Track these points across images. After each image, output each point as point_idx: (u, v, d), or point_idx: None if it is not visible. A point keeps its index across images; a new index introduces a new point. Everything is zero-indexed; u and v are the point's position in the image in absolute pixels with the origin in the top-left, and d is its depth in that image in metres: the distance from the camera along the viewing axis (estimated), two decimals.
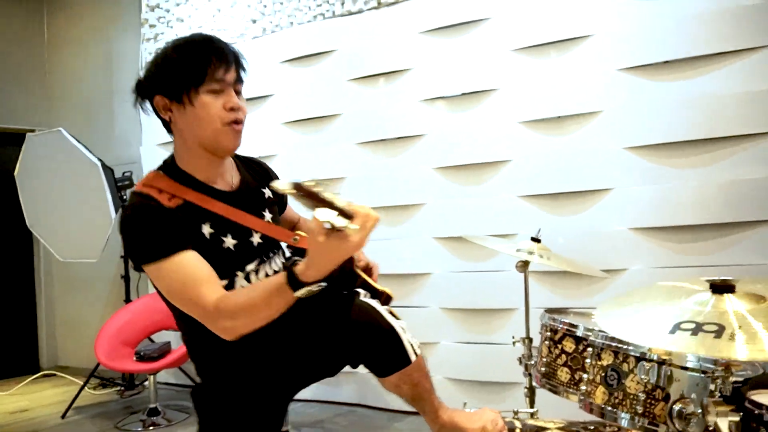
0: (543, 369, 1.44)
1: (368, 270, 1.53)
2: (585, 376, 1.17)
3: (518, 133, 2.78)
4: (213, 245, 1.30)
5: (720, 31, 2.41)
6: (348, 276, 1.34)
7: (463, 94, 2.90)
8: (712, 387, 0.88)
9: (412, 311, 3.00)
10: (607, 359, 1.15)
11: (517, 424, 1.29)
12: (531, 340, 1.80)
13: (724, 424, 0.86)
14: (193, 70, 1.25)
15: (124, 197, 3.68)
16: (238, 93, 1.32)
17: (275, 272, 1.42)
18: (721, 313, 0.90)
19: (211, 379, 1.41)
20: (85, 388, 3.57)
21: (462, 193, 2.91)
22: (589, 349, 1.20)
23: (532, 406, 1.79)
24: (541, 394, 1.77)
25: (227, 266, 1.31)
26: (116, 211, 3.34)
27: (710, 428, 0.87)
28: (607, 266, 2.55)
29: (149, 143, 3.84)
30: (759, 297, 0.89)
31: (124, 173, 3.70)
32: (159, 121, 1.36)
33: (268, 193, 1.51)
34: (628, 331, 0.92)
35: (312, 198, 0.99)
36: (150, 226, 1.23)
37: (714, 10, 2.42)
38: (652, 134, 2.53)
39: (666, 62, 2.52)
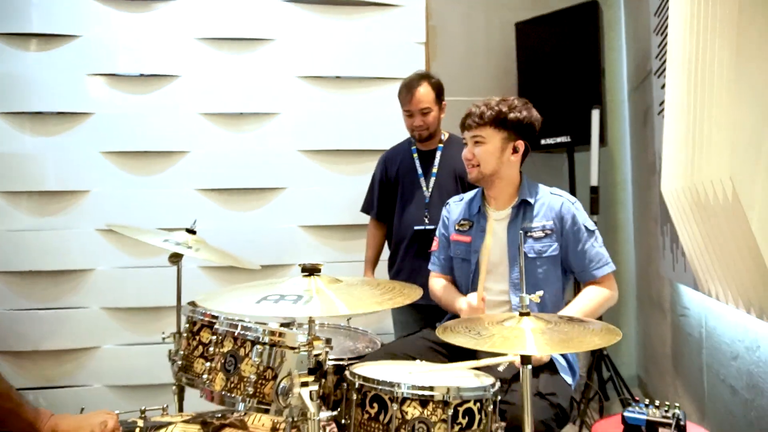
0: (180, 362, 1.40)
1: None
2: (208, 364, 1.18)
3: (197, 125, 2.70)
4: None
5: (380, 58, 2.79)
6: None
7: (142, 75, 2.69)
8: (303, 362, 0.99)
9: (70, 313, 2.63)
10: (228, 345, 1.18)
11: (140, 423, 1.21)
12: (181, 335, 1.74)
13: (305, 393, 0.97)
14: None
15: None
16: None
17: None
18: (305, 289, 1.07)
19: None
20: None
21: (134, 183, 2.68)
22: (213, 337, 1.21)
23: (180, 404, 1.74)
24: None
25: None
26: None
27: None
28: (277, 261, 2.69)
29: None
30: (337, 279, 1.05)
31: None
32: None
33: None
34: (223, 305, 0.98)
35: None
36: None
37: (373, 40, 2.78)
38: (323, 140, 2.77)
39: (338, 77, 2.79)
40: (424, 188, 2.23)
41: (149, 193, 2.68)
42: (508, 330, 1.11)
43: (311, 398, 0.96)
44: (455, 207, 1.89)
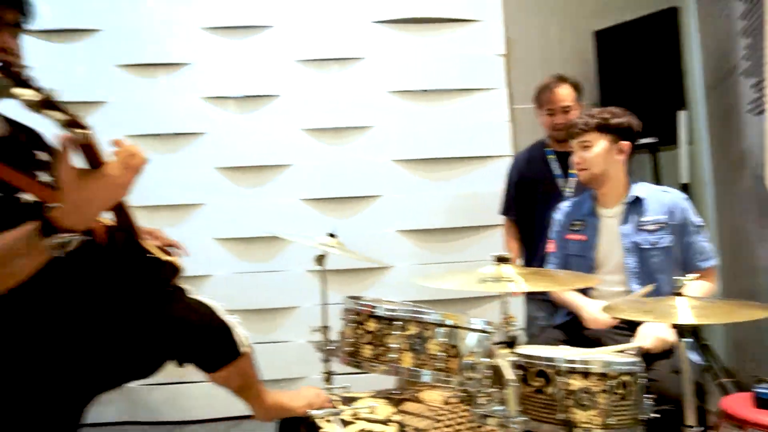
0: (348, 349, 1.60)
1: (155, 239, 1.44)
2: (393, 345, 1.36)
3: (300, 139, 2.94)
4: None
5: (465, 70, 2.99)
6: (128, 243, 1.25)
7: (247, 96, 2.94)
8: (495, 339, 1.17)
9: None
10: (412, 329, 1.36)
11: (335, 397, 1.41)
12: (328, 328, 1.94)
13: (505, 363, 1.14)
14: None
15: None
16: (14, 36, 1.19)
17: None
18: (503, 274, 1.28)
19: None
20: None
21: (243, 194, 2.93)
22: (396, 322, 1.39)
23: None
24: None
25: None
26: None
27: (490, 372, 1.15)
28: (375, 263, 2.89)
29: None
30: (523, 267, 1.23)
31: None
32: None
33: (43, 156, 1.34)
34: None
35: (49, 108, 0.88)
36: None
37: (462, 53, 2.98)
38: (414, 150, 2.96)
39: (425, 91, 2.99)
40: (565, 189, 2.37)
41: (257, 204, 2.92)
42: (669, 306, 1.26)
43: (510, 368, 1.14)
44: (565, 210, 2.06)
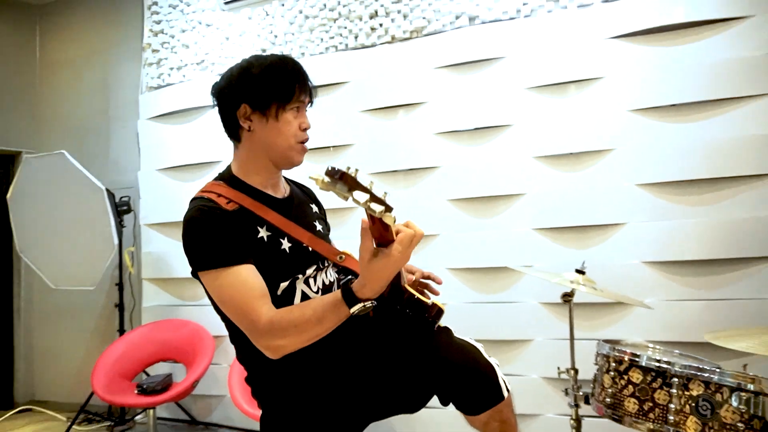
0: (608, 400, 1.48)
1: (420, 282, 1.58)
2: (671, 406, 1.21)
3: (532, 168, 2.87)
4: (271, 247, 1.36)
5: (723, 78, 2.59)
6: (395, 291, 1.36)
7: (478, 128, 2.99)
8: None
9: None
10: (696, 389, 1.19)
11: None
12: (577, 371, 1.83)
13: None
14: (284, 88, 1.37)
15: (123, 223, 3.58)
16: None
17: (331, 283, 1.46)
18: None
19: (272, 406, 1.38)
20: (67, 423, 3.38)
21: (475, 225, 2.97)
22: (674, 379, 1.24)
23: None
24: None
25: (286, 268, 1.37)
26: (119, 237, 3.24)
27: None
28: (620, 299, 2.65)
29: (148, 168, 3.76)
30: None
31: (122, 198, 3.60)
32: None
33: (315, 208, 1.61)
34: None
35: (347, 182, 0.98)
36: (215, 231, 1.27)
37: (717, 60, 2.60)
38: (662, 172, 2.67)
39: (673, 105, 2.68)
40: None
41: (490, 234, 2.93)
42: None
43: None
44: None
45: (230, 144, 1.52)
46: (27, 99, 4.38)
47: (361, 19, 3.29)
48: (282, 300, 1.34)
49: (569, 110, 2.83)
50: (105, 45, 4.18)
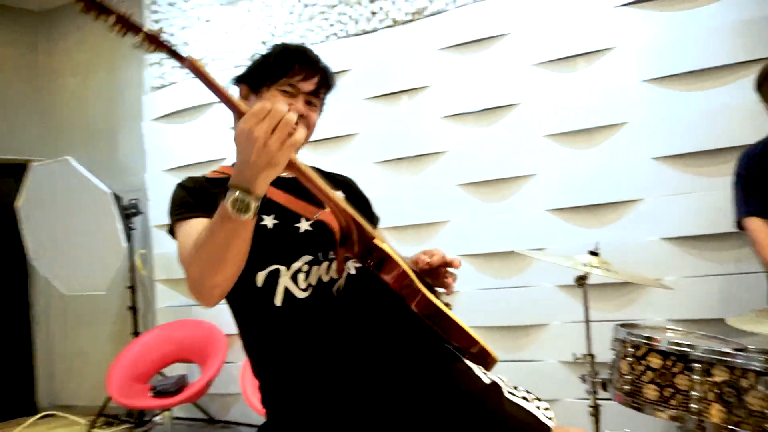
0: (627, 387, 1.38)
1: (437, 271, 1.39)
2: (693, 394, 1.11)
3: (543, 147, 2.76)
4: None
5: (741, 41, 2.44)
6: (366, 249, 1.19)
7: (485, 109, 2.88)
8: None
9: None
10: (720, 375, 1.09)
11: None
12: (593, 357, 1.74)
13: None
14: (273, 68, 1.30)
15: (133, 226, 3.56)
16: (312, 106, 1.35)
17: (331, 280, 1.26)
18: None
19: (275, 412, 1.31)
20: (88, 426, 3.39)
21: (487, 209, 2.87)
22: (696, 365, 1.13)
23: (597, 425, 1.73)
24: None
25: (264, 252, 1.19)
26: (127, 240, 3.22)
27: None
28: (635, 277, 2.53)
29: (154, 170, 3.74)
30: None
31: (130, 200, 3.58)
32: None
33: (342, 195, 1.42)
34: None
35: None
36: (184, 191, 1.27)
37: (731, 22, 2.45)
38: (679, 144, 2.53)
39: (690, 72, 2.54)
40: None
41: (502, 217, 2.83)
42: None
43: None
44: None
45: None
46: (35, 107, 4.39)
47: (360, 4, 3.20)
48: (261, 296, 1.21)
49: (579, 84, 2.70)
50: (108, 48, 4.17)
